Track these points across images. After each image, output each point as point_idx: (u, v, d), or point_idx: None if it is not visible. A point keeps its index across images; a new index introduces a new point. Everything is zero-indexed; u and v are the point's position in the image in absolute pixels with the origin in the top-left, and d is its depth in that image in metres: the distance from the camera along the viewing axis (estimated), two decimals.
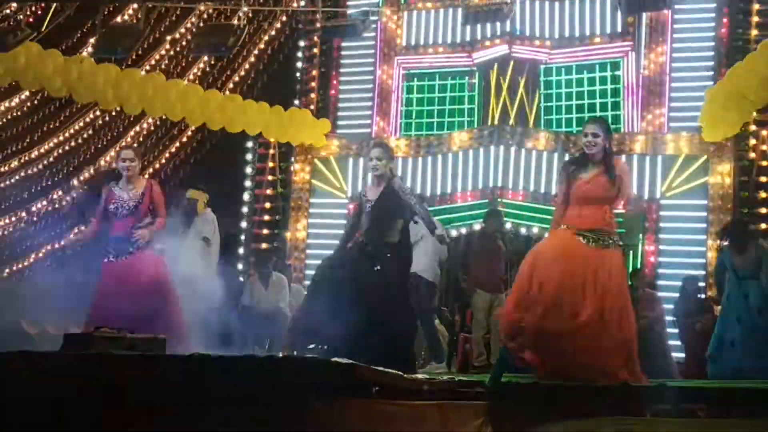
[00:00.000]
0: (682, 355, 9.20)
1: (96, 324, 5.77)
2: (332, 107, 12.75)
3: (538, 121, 11.95)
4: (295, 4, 13.26)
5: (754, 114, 10.57)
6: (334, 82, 12.83)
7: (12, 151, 13.07)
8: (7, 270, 12.73)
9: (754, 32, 11.22)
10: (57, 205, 12.84)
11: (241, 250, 12.66)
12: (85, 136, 13.07)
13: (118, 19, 11.64)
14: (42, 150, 13.03)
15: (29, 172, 13.02)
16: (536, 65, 12.06)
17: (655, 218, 10.98)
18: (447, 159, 11.77)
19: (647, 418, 4.18)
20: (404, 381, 3.96)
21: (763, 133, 11.02)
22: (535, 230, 11.09)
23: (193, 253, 8.23)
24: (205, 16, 12.75)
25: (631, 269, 10.12)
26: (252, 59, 13.17)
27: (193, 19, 12.89)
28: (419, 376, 4.51)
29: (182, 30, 12.83)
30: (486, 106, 12.06)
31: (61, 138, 13.06)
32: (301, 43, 13.23)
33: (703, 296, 9.73)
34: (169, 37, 12.69)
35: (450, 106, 12.45)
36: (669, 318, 9.16)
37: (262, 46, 13.21)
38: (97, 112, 12.77)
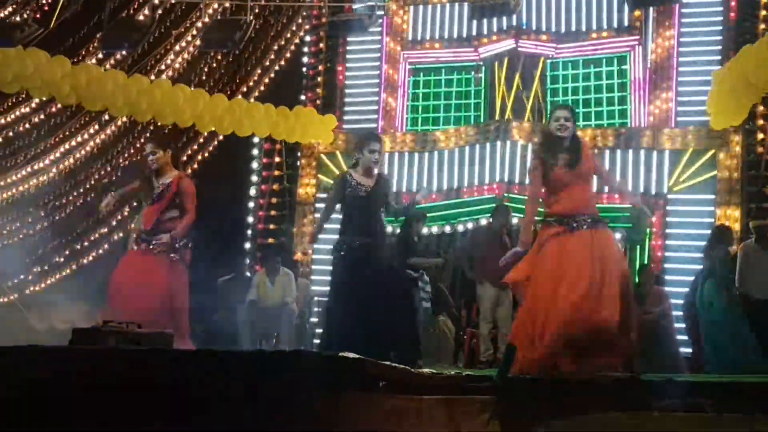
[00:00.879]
0: (689, 350, 9.17)
1: (113, 311, 5.86)
2: (338, 102, 12.73)
3: (544, 116, 11.92)
4: None
5: (761, 108, 10.53)
6: (340, 77, 12.82)
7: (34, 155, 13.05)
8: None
9: (762, 26, 11.16)
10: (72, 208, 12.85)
11: (247, 245, 12.68)
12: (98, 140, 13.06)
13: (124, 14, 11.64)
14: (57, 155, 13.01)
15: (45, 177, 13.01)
16: (543, 60, 12.03)
17: (662, 213, 10.95)
18: (453, 154, 11.76)
19: (655, 413, 4.17)
20: (411, 376, 3.96)
21: None
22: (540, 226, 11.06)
23: None
24: (210, 11, 12.73)
25: (638, 265, 10.11)
26: (258, 55, 13.16)
27: (206, 19, 12.87)
28: (426, 370, 4.51)
29: (187, 24, 12.82)
30: (492, 101, 12.04)
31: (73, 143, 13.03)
32: (307, 38, 13.22)
33: None
34: (174, 32, 12.67)
35: (456, 101, 12.43)
36: (677, 313, 9.13)
37: (268, 41, 13.20)
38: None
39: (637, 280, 8.99)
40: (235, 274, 11.11)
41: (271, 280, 10.00)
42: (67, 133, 12.98)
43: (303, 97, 12.82)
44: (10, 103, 12.98)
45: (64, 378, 3.31)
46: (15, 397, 3.18)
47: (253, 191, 12.92)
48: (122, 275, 6.54)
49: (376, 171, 6.36)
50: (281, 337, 9.84)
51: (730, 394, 4.36)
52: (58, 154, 12.92)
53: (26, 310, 11.43)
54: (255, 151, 12.98)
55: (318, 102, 12.72)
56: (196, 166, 13.09)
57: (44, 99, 11.66)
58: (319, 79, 12.93)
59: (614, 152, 11.19)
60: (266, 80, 13.13)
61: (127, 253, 6.76)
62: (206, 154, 13.14)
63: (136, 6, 11.94)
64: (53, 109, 12.50)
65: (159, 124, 11.67)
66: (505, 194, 11.03)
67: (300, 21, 13.23)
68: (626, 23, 11.76)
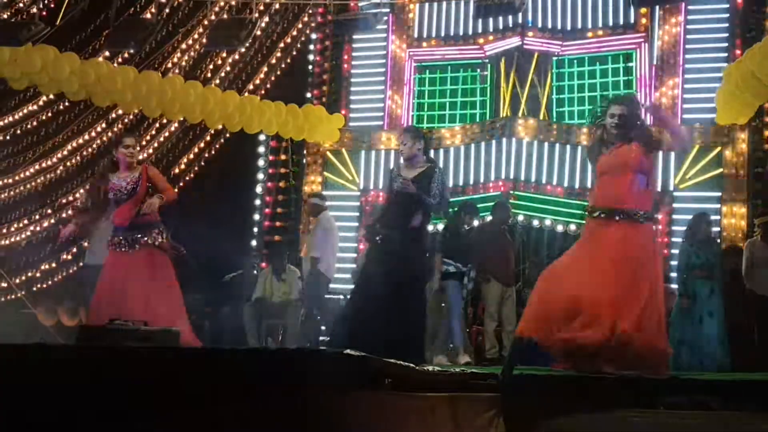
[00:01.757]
0: None
1: (98, 314, 5.84)
2: (344, 100, 12.73)
3: (550, 114, 11.92)
4: None
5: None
6: (346, 75, 12.81)
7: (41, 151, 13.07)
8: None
9: None
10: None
11: (253, 243, 12.70)
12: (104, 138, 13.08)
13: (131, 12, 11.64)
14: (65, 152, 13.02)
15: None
16: (548, 57, 12.01)
17: (668, 211, 10.93)
18: (459, 151, 11.76)
19: (661, 411, 4.17)
20: (416, 373, 3.97)
21: None
22: (547, 222, 11.08)
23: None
24: (217, 8, 12.74)
25: None
26: (264, 53, 13.16)
27: (213, 17, 12.87)
28: (431, 368, 4.52)
29: (194, 22, 12.82)
30: (498, 99, 12.03)
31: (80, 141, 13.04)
32: (313, 36, 13.22)
33: None
34: (181, 30, 12.67)
35: (462, 99, 12.42)
36: None
37: (274, 39, 13.20)
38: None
39: None
40: (241, 272, 11.14)
41: (277, 277, 10.03)
42: (75, 130, 13.00)
43: (309, 95, 12.83)
44: (18, 101, 13.03)
45: (70, 375, 3.33)
46: (20, 394, 3.21)
47: (259, 189, 12.95)
48: (109, 279, 6.51)
49: (417, 162, 6.25)
50: (287, 334, 9.86)
51: (737, 391, 4.36)
52: (66, 152, 12.94)
53: (34, 307, 11.47)
54: (261, 149, 13.00)
55: (324, 100, 12.72)
56: (202, 163, 13.10)
57: (52, 96, 11.70)
58: (325, 77, 12.94)
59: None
60: (272, 78, 13.13)
61: (107, 256, 6.69)
62: (212, 152, 13.15)
63: (143, 3, 11.96)
64: (61, 106, 12.52)
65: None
66: (511, 191, 11.03)
67: (306, 19, 13.22)
68: (632, 20, 11.73)
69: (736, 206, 10.70)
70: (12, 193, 12.84)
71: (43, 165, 12.85)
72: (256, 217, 12.89)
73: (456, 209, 9.09)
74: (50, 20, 10.18)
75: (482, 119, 12.03)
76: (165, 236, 6.61)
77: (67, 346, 3.99)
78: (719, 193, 10.84)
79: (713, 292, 8.02)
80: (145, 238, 6.50)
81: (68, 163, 12.79)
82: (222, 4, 12.21)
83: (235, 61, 12.88)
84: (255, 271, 11.48)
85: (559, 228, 11.08)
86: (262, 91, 12.81)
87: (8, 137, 12.77)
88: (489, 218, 10.08)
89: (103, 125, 12.77)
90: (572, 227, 11.03)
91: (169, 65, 12.45)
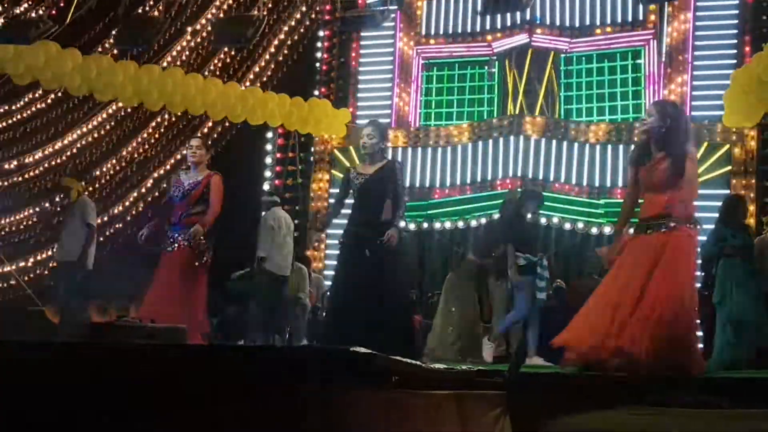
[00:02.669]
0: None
1: (148, 311, 5.97)
2: (352, 97, 12.73)
3: (558, 111, 11.88)
4: None
5: None
6: (353, 72, 12.81)
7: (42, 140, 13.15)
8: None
9: None
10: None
11: None
12: (108, 127, 13.14)
13: (139, 11, 11.67)
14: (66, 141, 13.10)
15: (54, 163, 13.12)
16: (557, 54, 11.97)
17: None
18: (466, 149, 11.74)
19: (668, 409, 4.15)
20: (423, 371, 3.96)
21: None
22: (555, 220, 11.05)
23: (75, 239, 8.49)
24: (225, 7, 12.76)
25: None
26: (272, 50, 13.17)
27: (213, 10, 12.90)
28: (438, 366, 4.51)
29: (203, 21, 12.85)
30: (506, 96, 12.00)
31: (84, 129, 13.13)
32: (321, 33, 13.22)
33: None
34: (189, 29, 12.70)
35: (469, 96, 12.39)
36: None
37: (282, 36, 13.21)
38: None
39: None
40: (248, 269, 11.13)
41: None
42: (84, 129, 13.06)
43: (316, 92, 12.83)
44: (27, 99, 13.08)
45: (77, 373, 3.33)
46: (25, 392, 3.21)
47: (266, 186, 12.95)
48: (157, 276, 6.66)
49: (376, 158, 6.30)
50: (294, 332, 9.86)
51: (748, 389, 4.34)
52: (74, 150, 13.00)
53: (42, 303, 11.50)
54: (269, 146, 13.00)
55: (331, 97, 12.72)
56: (210, 161, 13.11)
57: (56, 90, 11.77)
58: (333, 74, 12.94)
59: (628, 147, 11.13)
60: (279, 75, 13.14)
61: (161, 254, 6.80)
62: (220, 149, 13.17)
63: (151, 2, 11.99)
64: (70, 103, 12.60)
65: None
66: (519, 189, 11.01)
67: (313, 16, 13.23)
68: (641, 17, 11.69)
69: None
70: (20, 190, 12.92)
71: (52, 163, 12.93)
72: (263, 214, 12.86)
73: (519, 197, 8.75)
74: (59, 19, 10.23)
75: (490, 116, 12.01)
76: (203, 245, 6.68)
77: (66, 344, 4.00)
78: (727, 191, 10.78)
79: (752, 276, 7.78)
80: (184, 240, 6.58)
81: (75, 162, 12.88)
82: (230, 1, 12.23)
83: (243, 58, 12.91)
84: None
85: (567, 226, 11.05)
86: (269, 89, 12.82)
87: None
88: (496, 216, 10.01)
89: (111, 123, 12.83)
90: (580, 225, 11.00)
91: (178, 63, 12.48)
